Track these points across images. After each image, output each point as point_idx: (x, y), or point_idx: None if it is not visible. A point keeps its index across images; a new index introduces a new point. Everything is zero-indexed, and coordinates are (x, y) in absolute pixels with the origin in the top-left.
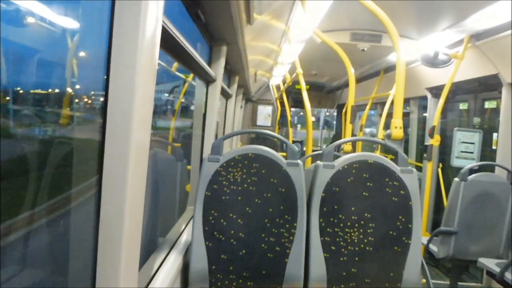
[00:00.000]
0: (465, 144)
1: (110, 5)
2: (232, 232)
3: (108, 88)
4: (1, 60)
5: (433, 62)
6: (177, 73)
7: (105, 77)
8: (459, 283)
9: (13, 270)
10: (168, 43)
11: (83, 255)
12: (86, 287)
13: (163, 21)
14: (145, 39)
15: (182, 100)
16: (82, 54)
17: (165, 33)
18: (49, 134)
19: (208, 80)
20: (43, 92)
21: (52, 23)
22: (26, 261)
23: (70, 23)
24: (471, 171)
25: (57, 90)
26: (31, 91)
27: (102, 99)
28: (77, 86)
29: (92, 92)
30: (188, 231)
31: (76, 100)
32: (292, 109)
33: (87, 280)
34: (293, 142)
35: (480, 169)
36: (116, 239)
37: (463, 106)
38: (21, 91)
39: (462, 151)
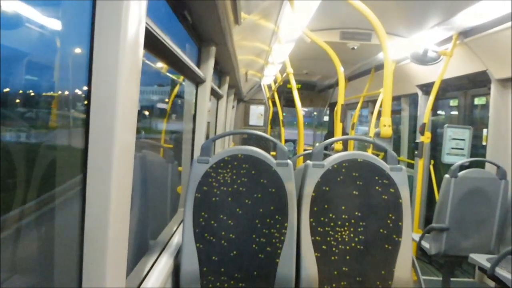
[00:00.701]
0: (456, 141)
1: (91, 6)
2: (223, 233)
3: (90, 91)
4: None
5: (422, 59)
6: (168, 74)
7: (88, 79)
8: (452, 278)
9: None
10: (153, 45)
11: (69, 258)
12: None
13: (146, 22)
14: (127, 40)
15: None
16: (64, 55)
17: (149, 34)
18: (31, 137)
19: (198, 81)
20: (24, 93)
21: (31, 21)
22: (12, 264)
23: (51, 23)
24: (462, 167)
25: (38, 92)
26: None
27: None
28: (60, 88)
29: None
30: (179, 233)
31: (59, 102)
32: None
33: (73, 283)
34: (286, 141)
35: (471, 165)
36: (102, 242)
37: (453, 103)
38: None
39: (452, 148)
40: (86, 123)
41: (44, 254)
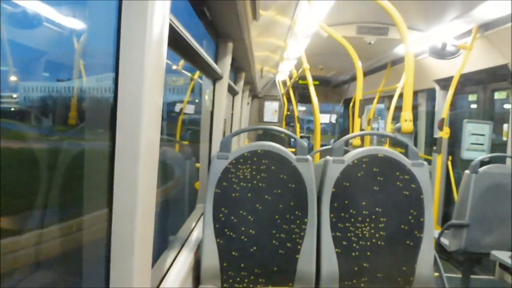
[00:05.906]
0: (475, 136)
1: (117, 5)
2: (243, 229)
3: (117, 88)
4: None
5: (441, 53)
6: (183, 71)
7: (114, 76)
8: (472, 276)
9: (27, 272)
10: (175, 41)
11: (97, 256)
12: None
13: (170, 19)
14: (152, 38)
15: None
16: (91, 54)
17: (173, 31)
18: (56, 136)
19: (215, 78)
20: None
21: (58, 24)
22: (40, 262)
23: (78, 24)
24: (482, 163)
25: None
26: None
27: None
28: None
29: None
30: (198, 228)
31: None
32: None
33: (101, 280)
34: (301, 138)
35: (491, 161)
36: (129, 239)
37: (472, 97)
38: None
39: (472, 143)
40: (112, 120)
41: (76, 253)
